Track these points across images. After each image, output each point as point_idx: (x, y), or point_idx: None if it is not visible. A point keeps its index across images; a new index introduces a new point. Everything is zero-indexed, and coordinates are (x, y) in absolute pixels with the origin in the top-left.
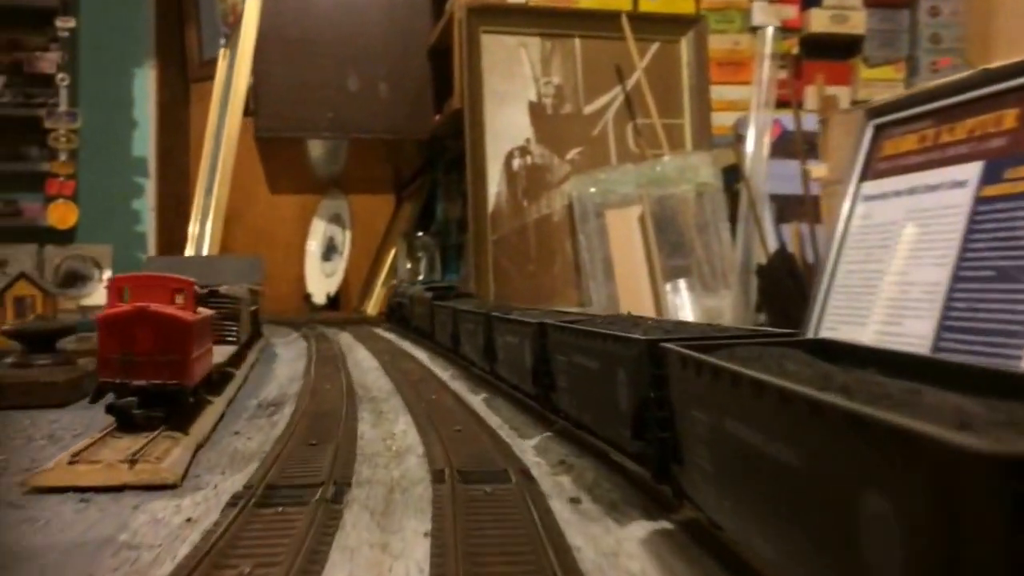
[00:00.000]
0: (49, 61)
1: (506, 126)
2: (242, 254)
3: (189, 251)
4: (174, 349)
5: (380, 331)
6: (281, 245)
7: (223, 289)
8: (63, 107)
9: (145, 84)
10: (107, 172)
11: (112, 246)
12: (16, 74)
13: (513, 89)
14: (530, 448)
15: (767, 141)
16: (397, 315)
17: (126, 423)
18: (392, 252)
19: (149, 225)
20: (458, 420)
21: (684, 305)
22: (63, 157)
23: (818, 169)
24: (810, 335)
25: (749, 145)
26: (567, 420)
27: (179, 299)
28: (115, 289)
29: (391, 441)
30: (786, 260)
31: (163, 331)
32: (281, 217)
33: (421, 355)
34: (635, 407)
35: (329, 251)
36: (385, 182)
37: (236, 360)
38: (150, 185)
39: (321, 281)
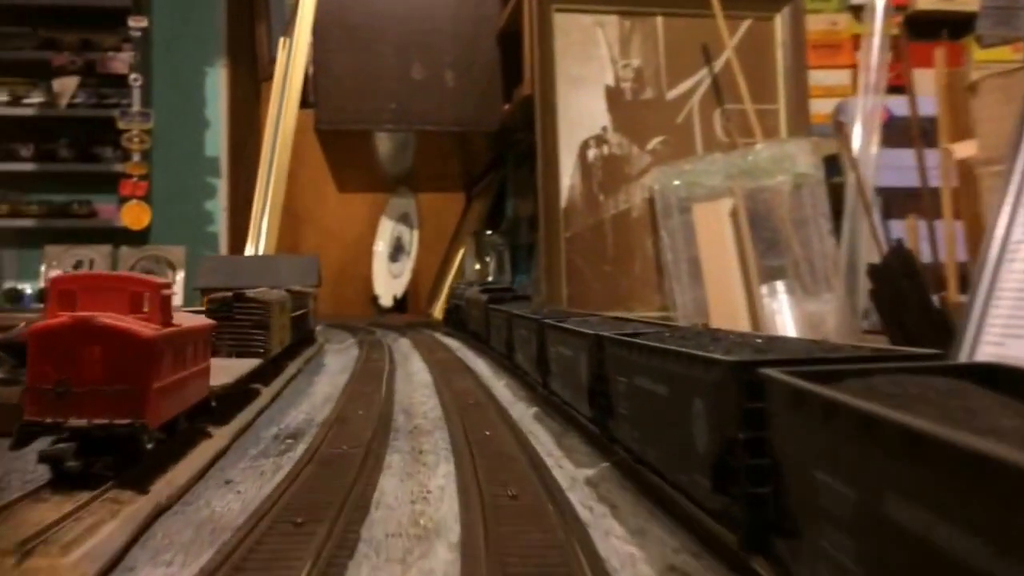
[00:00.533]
0: (122, 61)
1: (580, 113)
2: (298, 253)
3: (249, 250)
4: (127, 375)
5: (442, 337)
6: (351, 245)
7: (251, 292)
8: (136, 107)
9: (217, 83)
10: (180, 172)
11: (185, 247)
12: (90, 75)
13: (588, 73)
14: (619, 528)
15: (877, 127)
16: (454, 318)
17: (63, 477)
18: (460, 252)
19: (221, 225)
20: (517, 474)
21: (782, 310)
22: (136, 158)
23: (964, 147)
24: (963, 356)
25: (856, 132)
26: (628, 453)
27: (145, 306)
28: (57, 293)
29: (420, 507)
30: (904, 259)
31: (113, 351)
32: (350, 216)
33: (481, 368)
34: (717, 450)
35: (396, 251)
36: (454, 179)
37: (265, 376)
38: (222, 185)
39: (388, 282)
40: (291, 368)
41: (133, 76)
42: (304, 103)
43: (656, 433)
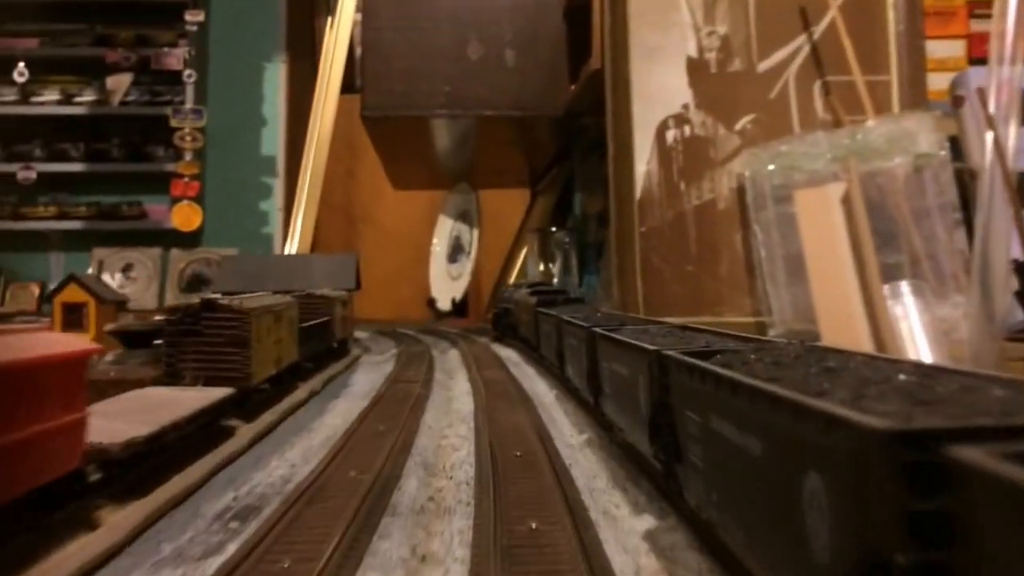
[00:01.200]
0: (176, 57)
1: (658, 89)
2: (334, 252)
3: (287, 250)
4: None
5: (498, 348)
6: (409, 245)
7: (226, 299)
8: (189, 104)
9: (275, 79)
10: (234, 172)
11: (238, 249)
12: (143, 71)
13: (667, 43)
14: None
15: (1016, 102)
16: (503, 323)
17: None
18: (523, 252)
19: (276, 226)
20: None
21: (908, 315)
22: (188, 157)
23: None
24: None
25: (992, 106)
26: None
27: None
28: None
29: None
30: None
31: None
32: (408, 215)
33: (541, 392)
34: (851, 568)
35: (455, 251)
36: (517, 173)
37: (249, 407)
38: (278, 185)
39: (446, 285)
40: (301, 392)
41: (187, 72)
42: (353, 88)
43: (743, 505)
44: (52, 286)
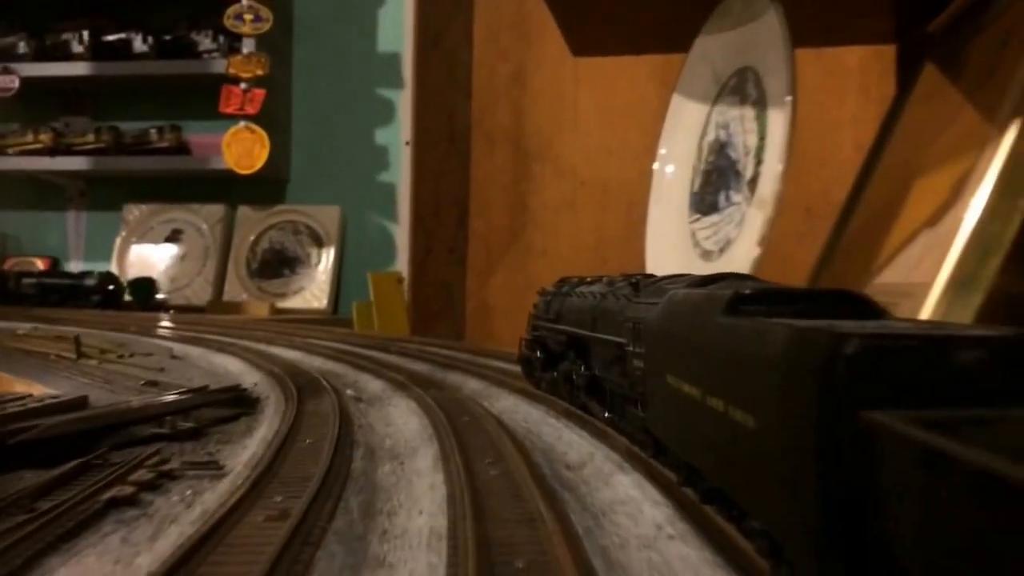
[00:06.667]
0: None
1: None
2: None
3: None
4: None
5: None
6: (624, 200)
7: None
8: None
9: None
10: (329, 78)
11: (340, 208)
12: None
13: None
14: None
15: None
16: (566, 374)
17: None
18: (975, 162)
19: (402, 170)
20: None
21: None
22: (247, 48)
23: None
24: None
25: None
26: None
27: None
28: None
29: None
30: None
31: None
32: (622, 141)
33: None
34: None
35: (713, 183)
36: None
37: None
38: (404, 101)
39: (685, 267)
40: None
41: None
42: None
43: None
44: (71, 263)
